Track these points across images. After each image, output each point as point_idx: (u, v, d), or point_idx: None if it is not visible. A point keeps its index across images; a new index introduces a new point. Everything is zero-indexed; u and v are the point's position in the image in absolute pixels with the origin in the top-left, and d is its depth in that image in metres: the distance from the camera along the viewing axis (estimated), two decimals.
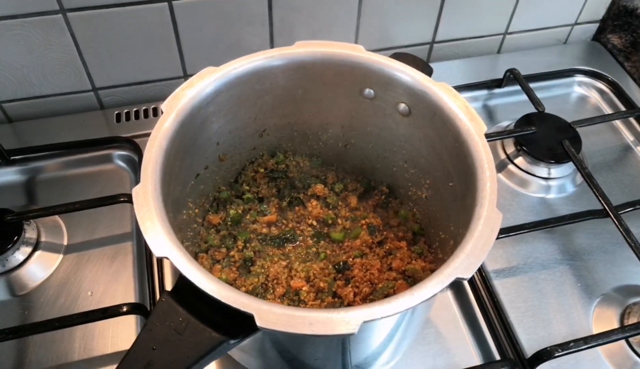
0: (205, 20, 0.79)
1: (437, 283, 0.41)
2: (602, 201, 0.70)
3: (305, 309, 0.39)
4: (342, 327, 0.38)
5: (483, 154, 0.48)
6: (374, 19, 0.87)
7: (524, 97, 0.85)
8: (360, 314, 0.38)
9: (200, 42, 0.82)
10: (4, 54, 0.75)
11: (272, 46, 0.86)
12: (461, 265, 0.42)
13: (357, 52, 0.57)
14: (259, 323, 0.38)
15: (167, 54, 0.82)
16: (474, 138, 0.50)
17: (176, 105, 0.51)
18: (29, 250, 0.68)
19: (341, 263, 0.60)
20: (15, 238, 0.67)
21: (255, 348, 0.52)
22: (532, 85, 0.87)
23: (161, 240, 0.42)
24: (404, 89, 0.57)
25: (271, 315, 0.38)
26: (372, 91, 0.59)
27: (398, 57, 0.58)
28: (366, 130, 0.64)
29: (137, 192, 0.45)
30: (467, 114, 0.51)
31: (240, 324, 0.40)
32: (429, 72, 0.58)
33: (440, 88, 0.54)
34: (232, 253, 0.61)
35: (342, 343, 0.48)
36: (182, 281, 0.41)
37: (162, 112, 0.51)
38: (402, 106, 0.58)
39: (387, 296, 0.56)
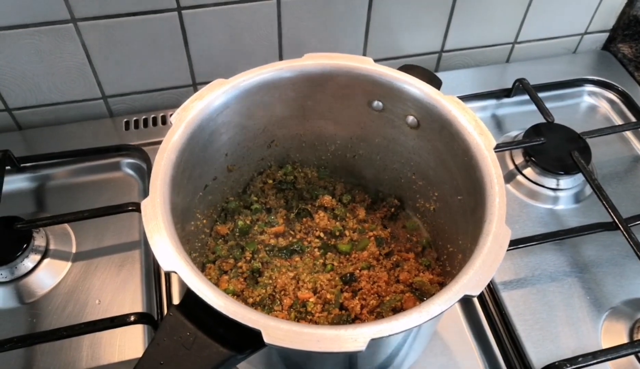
0: (214, 30, 0.79)
1: (445, 300, 0.40)
2: (612, 214, 0.69)
3: (312, 326, 0.39)
4: (349, 344, 0.38)
5: (492, 169, 0.48)
6: (382, 28, 0.87)
7: (533, 107, 0.85)
8: (368, 331, 0.38)
9: (209, 51, 0.82)
10: (15, 62, 0.76)
11: (280, 57, 0.86)
12: (470, 281, 0.42)
13: (365, 64, 0.57)
14: (266, 339, 0.38)
15: (176, 63, 0.83)
16: (483, 153, 0.50)
17: (185, 118, 0.51)
18: (37, 257, 0.68)
19: (348, 275, 0.60)
20: (25, 246, 0.67)
21: (262, 361, 0.52)
22: (541, 95, 0.87)
23: (169, 254, 0.42)
24: (412, 102, 0.56)
25: (278, 332, 0.38)
26: (380, 103, 0.59)
27: (407, 69, 0.58)
28: (374, 142, 0.64)
29: (145, 205, 0.45)
30: (476, 128, 0.51)
31: (248, 339, 0.40)
32: (437, 84, 0.58)
33: (449, 102, 0.54)
34: (239, 263, 0.61)
35: (349, 357, 0.47)
36: (189, 296, 0.41)
37: (171, 124, 0.51)
38: (411, 118, 0.58)
39: (394, 309, 0.56)
